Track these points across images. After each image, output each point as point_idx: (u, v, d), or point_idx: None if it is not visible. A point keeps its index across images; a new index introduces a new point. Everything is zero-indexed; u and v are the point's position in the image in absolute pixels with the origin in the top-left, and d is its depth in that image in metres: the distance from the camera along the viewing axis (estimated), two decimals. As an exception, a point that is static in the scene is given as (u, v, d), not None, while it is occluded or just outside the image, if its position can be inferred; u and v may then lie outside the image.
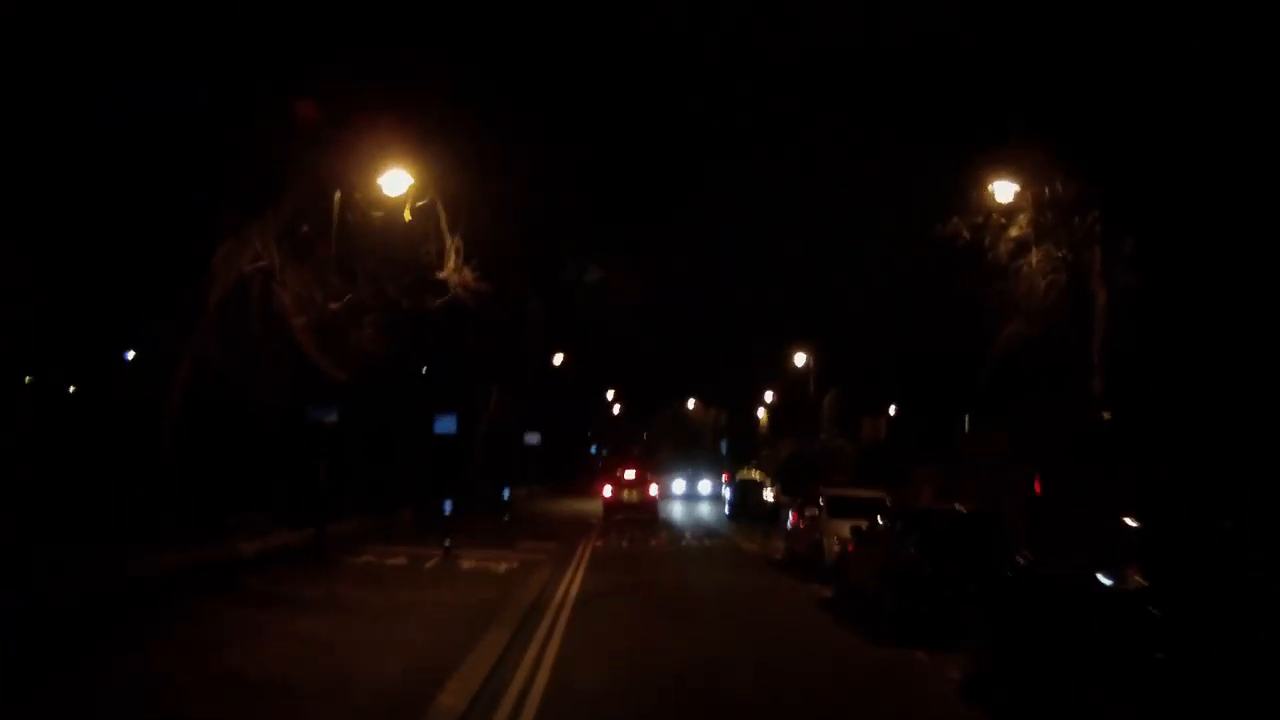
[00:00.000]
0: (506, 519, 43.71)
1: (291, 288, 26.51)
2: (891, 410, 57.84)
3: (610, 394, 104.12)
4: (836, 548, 24.41)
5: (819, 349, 63.73)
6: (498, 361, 51.01)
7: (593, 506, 53.73)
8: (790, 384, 76.71)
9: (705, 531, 43.07)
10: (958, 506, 21.87)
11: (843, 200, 43.97)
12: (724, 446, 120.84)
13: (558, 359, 64.12)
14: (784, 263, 69.40)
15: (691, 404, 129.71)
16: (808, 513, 27.45)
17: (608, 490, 52.23)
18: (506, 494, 46.32)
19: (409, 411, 42.30)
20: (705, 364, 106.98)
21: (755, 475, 65.01)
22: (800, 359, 64.62)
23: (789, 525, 30.87)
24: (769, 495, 53.57)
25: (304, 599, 19.54)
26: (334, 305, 26.39)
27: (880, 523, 20.57)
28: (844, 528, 23.64)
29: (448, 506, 29.75)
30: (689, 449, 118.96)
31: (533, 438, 65.72)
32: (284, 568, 23.62)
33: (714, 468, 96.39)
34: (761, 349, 79.52)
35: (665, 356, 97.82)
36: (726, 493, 60.67)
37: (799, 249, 58.34)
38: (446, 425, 45.95)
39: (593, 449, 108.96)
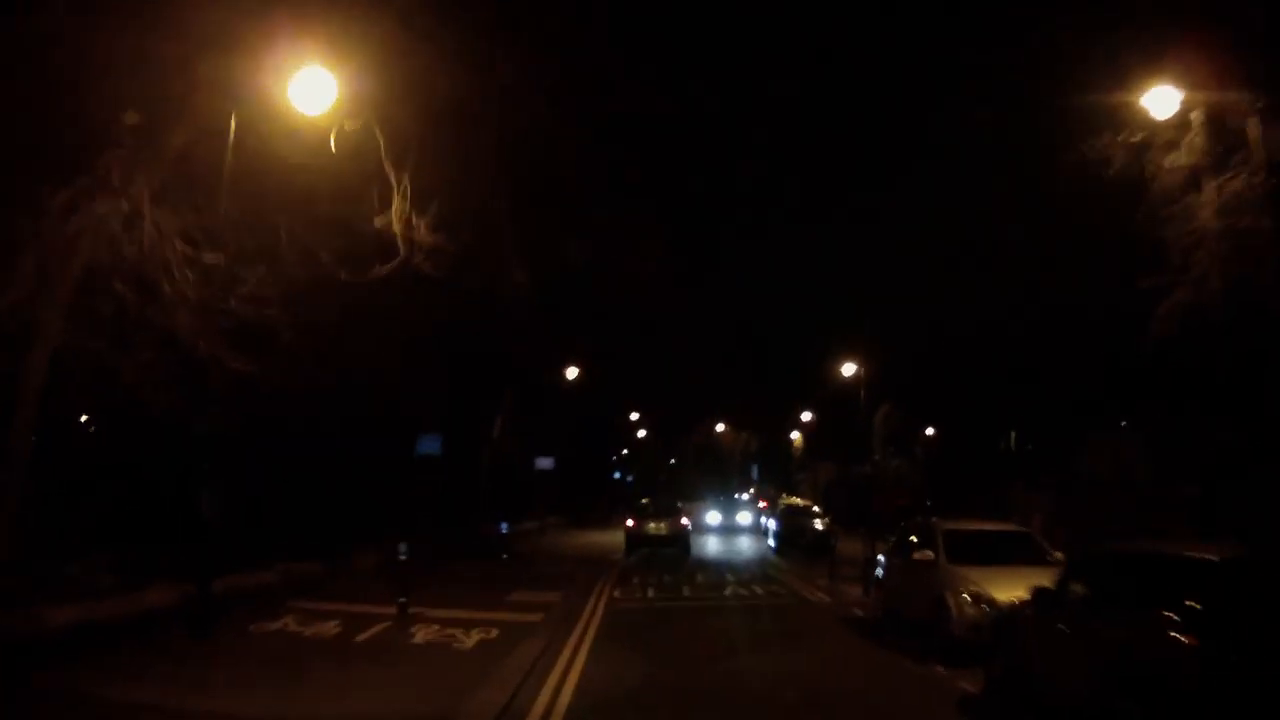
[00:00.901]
0: (505, 559, 35.41)
1: (169, 241, 18.44)
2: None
3: (634, 415, 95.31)
4: (972, 610, 16.18)
5: (872, 357, 55.50)
6: (490, 363, 42.87)
7: (614, 540, 45.71)
8: (833, 401, 69.00)
9: (752, 573, 34.21)
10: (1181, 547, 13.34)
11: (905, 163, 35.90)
12: (754, 471, 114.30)
13: (572, 372, 55.71)
14: (833, 259, 61.19)
15: (721, 428, 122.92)
16: (916, 556, 18.77)
17: (630, 521, 43.89)
18: (504, 529, 37.85)
19: (379, 428, 34.17)
20: (735, 385, 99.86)
21: (799, 501, 56.57)
22: (849, 369, 56.16)
23: (881, 570, 22.40)
24: (819, 524, 45.46)
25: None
26: (212, 258, 18.13)
27: (1072, 578, 12.21)
28: (976, 578, 16.80)
29: (403, 550, 21.39)
30: (719, 475, 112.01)
31: (545, 462, 57.62)
32: (136, 645, 16.87)
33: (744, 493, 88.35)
34: (799, 364, 72.30)
35: (694, 377, 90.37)
36: (769, 523, 52.30)
37: (852, 238, 50.47)
38: (429, 446, 38.13)
39: (615, 475, 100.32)
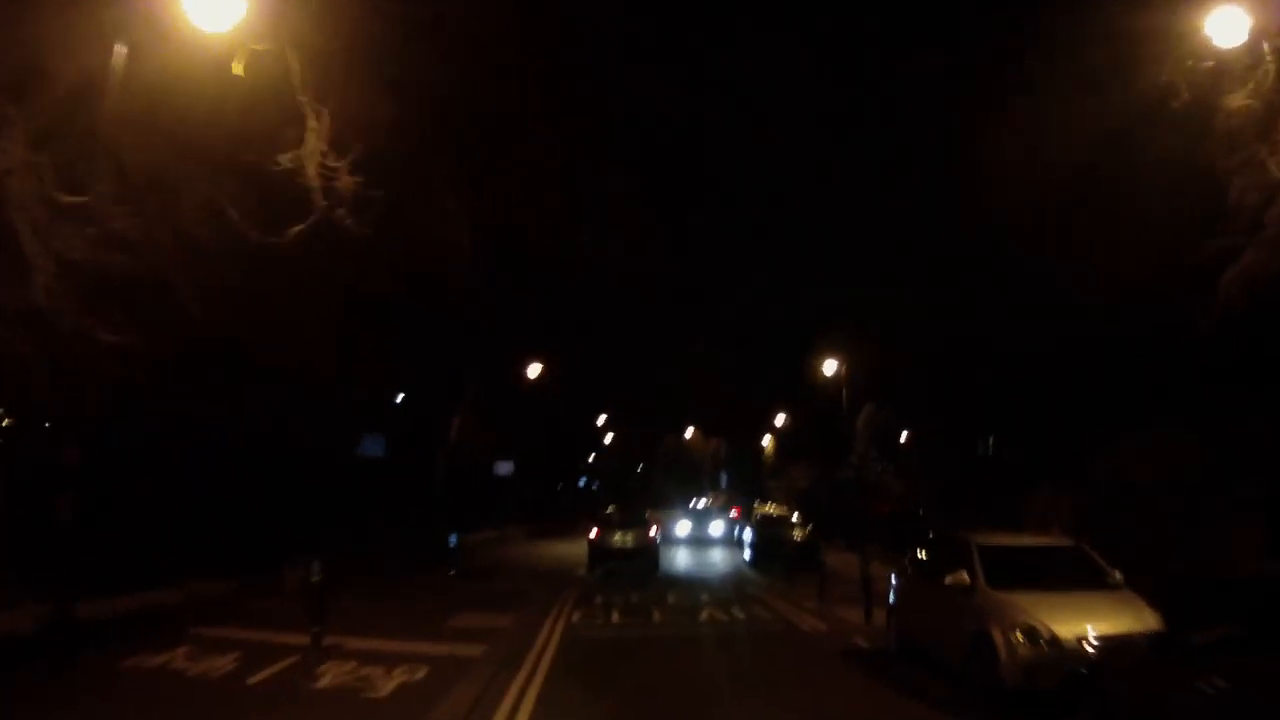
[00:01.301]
0: (453, 574, 31.69)
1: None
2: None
3: (601, 419, 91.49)
4: (1026, 650, 12.68)
5: (855, 353, 52.03)
6: (443, 355, 39.30)
7: (578, 551, 42.01)
8: (811, 401, 65.62)
9: (729, 592, 30.54)
10: None
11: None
12: (724, 479, 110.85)
13: (534, 370, 51.97)
14: (812, 250, 57.74)
15: (690, 434, 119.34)
16: (948, 580, 14.99)
17: (594, 532, 40.17)
18: (454, 540, 33.98)
19: (314, 425, 30.43)
20: (706, 389, 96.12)
21: (775, 510, 52.94)
22: (830, 367, 52.53)
23: (893, 594, 18.78)
24: (798, 534, 41.88)
25: None
26: (69, 199, 14.44)
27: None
28: (1029, 608, 13.36)
29: (316, 569, 17.71)
30: (690, 483, 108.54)
31: (505, 467, 53.93)
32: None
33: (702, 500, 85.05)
34: (774, 365, 68.97)
35: (664, 380, 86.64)
36: (745, 534, 48.73)
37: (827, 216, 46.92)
38: (373, 447, 34.48)
39: (581, 481, 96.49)
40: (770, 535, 42.00)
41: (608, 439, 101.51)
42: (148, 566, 21.87)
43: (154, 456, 24.05)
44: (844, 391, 50.68)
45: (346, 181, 16.79)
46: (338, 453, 33.84)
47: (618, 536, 39.66)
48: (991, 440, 40.79)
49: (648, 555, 39.63)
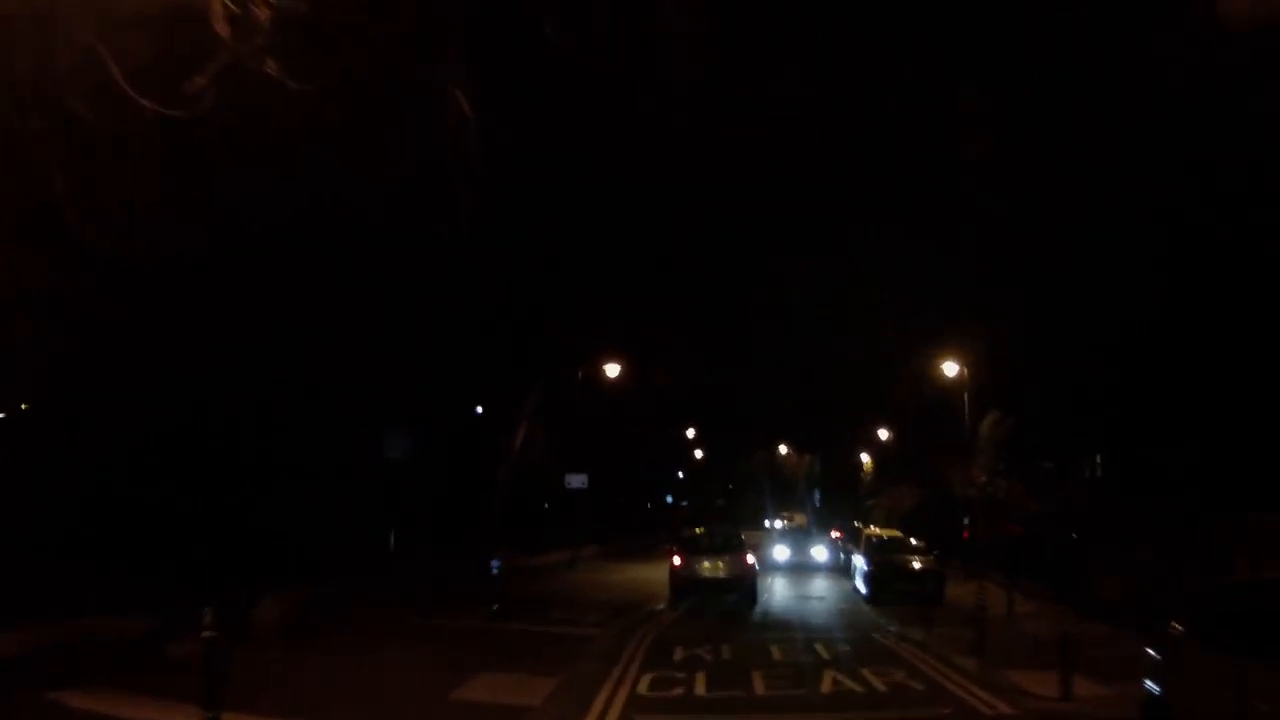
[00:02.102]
0: (495, 610, 24.98)
1: None
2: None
3: (690, 433, 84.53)
4: None
5: (976, 354, 44.96)
6: (499, 346, 33.20)
7: (660, 577, 35.40)
8: (921, 411, 58.53)
9: (850, 639, 23.52)
10: None
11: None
12: (816, 497, 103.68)
13: (613, 369, 45.30)
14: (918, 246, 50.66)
15: (784, 450, 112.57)
16: None
17: (678, 559, 33.48)
18: (496, 567, 27.05)
19: (324, 421, 24.17)
20: (801, 402, 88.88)
21: (888, 533, 45.76)
22: (950, 369, 45.29)
23: (1163, 670, 11.58)
24: (919, 563, 35.13)
25: None
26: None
27: None
28: None
29: (209, 619, 11.24)
30: (784, 503, 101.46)
31: (577, 480, 47.26)
32: None
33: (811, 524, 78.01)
34: (874, 378, 61.70)
35: (756, 391, 79.74)
36: (855, 561, 41.72)
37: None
38: (399, 448, 28.24)
39: (668, 499, 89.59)
40: (887, 562, 34.85)
41: (697, 454, 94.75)
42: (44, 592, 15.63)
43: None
44: (965, 397, 43.72)
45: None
46: (350, 452, 27.43)
47: (706, 564, 32.89)
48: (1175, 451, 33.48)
49: (743, 587, 32.84)
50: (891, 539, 39.93)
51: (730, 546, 34.20)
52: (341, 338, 23.23)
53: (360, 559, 26.82)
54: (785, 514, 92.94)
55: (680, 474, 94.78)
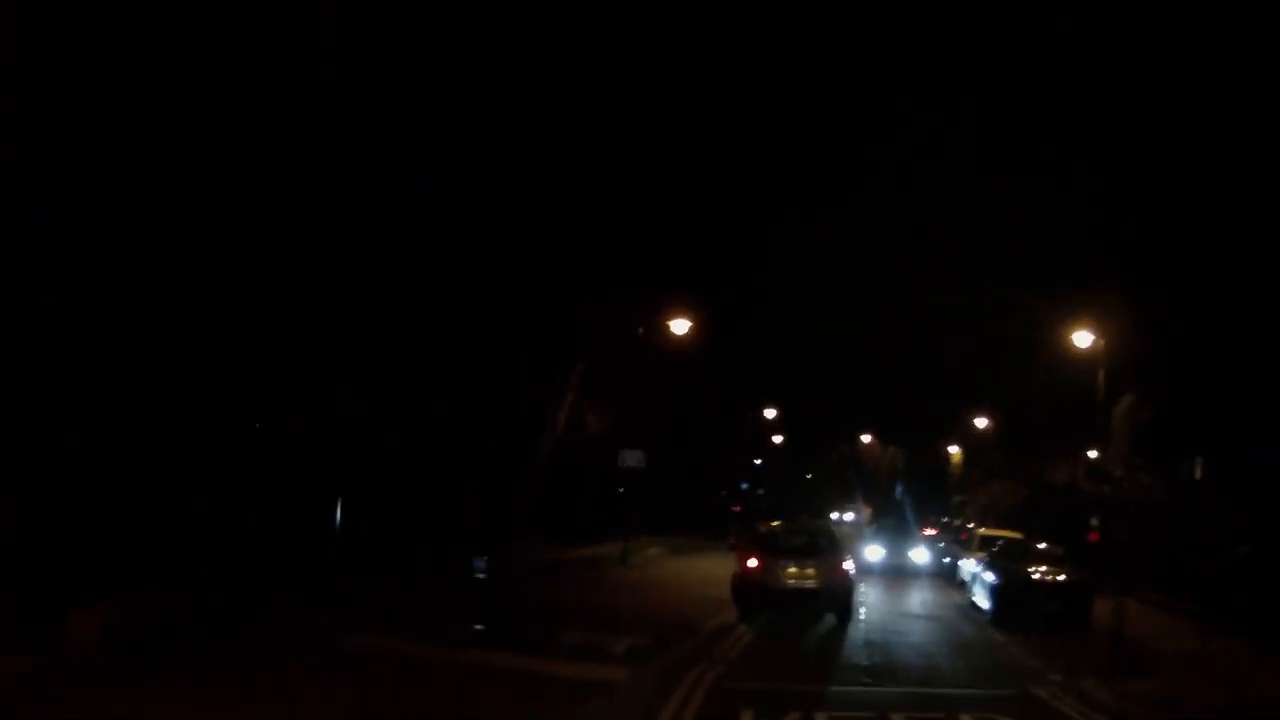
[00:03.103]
0: (479, 630, 17.98)
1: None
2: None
3: (771, 413, 76.40)
4: None
5: (1113, 325, 37.31)
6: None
7: (724, 577, 27.99)
8: (1025, 400, 51.53)
9: (1012, 706, 15.71)
10: None
11: None
12: (899, 490, 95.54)
13: (681, 325, 37.79)
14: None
15: (867, 439, 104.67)
16: None
17: (753, 560, 25.94)
18: (481, 568, 19.54)
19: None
20: (886, 389, 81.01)
21: (997, 532, 37.78)
22: (1082, 340, 37.24)
23: None
24: (1058, 575, 27.21)
25: None
26: None
27: None
28: None
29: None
30: (872, 498, 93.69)
31: (632, 458, 39.73)
32: None
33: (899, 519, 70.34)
34: (969, 361, 54.70)
35: (840, 374, 71.69)
36: (969, 568, 33.95)
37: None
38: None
39: (743, 485, 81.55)
40: (1020, 574, 27.02)
41: (776, 439, 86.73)
42: None
43: None
44: (1100, 375, 36.04)
45: None
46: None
47: (792, 570, 25.55)
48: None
49: (837, 601, 25.62)
50: (1015, 542, 32.04)
51: (822, 548, 26.92)
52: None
53: (297, 550, 20.04)
54: (852, 506, 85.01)
55: (757, 460, 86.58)
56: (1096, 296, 37.02)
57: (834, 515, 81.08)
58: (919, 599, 33.27)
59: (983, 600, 28.47)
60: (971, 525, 46.55)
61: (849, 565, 26.86)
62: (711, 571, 33.26)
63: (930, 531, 55.34)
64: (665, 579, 33.08)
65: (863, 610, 27.69)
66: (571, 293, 32.94)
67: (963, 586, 34.21)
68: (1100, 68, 32.23)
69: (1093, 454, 43.75)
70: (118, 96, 17.67)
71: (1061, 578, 26.84)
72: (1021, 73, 34.55)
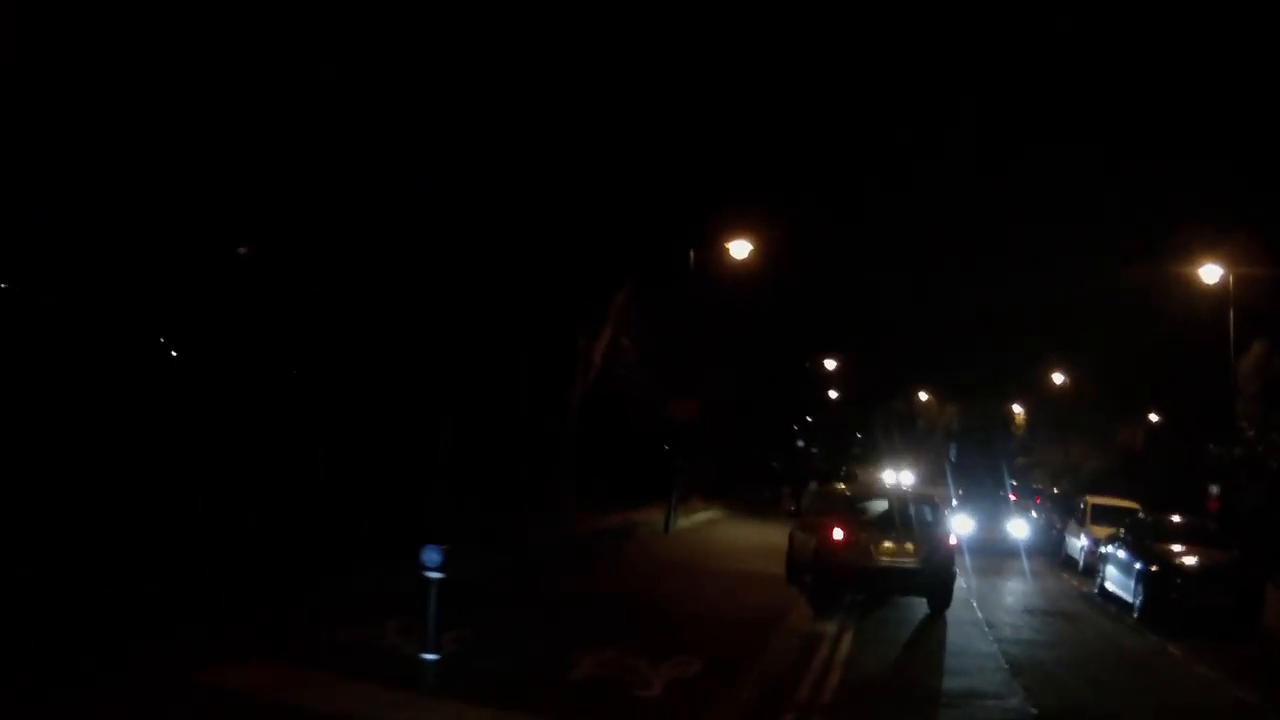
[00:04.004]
0: (429, 661, 11.39)
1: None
2: None
3: (832, 364, 70.04)
4: None
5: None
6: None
7: (784, 544, 23.88)
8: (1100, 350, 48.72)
9: None
10: None
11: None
12: (952, 452, 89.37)
13: (741, 249, 32.08)
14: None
15: (924, 397, 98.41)
16: None
17: (838, 533, 20.24)
18: (433, 566, 12.48)
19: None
20: (947, 342, 75.05)
21: (1119, 502, 31.68)
22: (1211, 274, 31.50)
23: None
24: (1191, 557, 21.26)
25: None
26: None
27: None
28: None
29: None
30: (927, 456, 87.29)
31: (684, 408, 33.94)
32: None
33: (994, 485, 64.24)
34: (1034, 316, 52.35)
35: (899, 325, 65.39)
36: (1084, 543, 28.22)
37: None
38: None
39: (799, 444, 75.59)
40: (1170, 559, 20.95)
41: (832, 395, 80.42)
42: None
43: None
44: (1230, 315, 30.43)
45: None
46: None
47: (888, 545, 20.07)
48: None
49: (937, 584, 20.11)
50: (1151, 518, 25.60)
51: (922, 518, 21.35)
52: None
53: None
54: (910, 466, 78.89)
55: (809, 418, 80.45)
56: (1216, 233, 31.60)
57: (888, 476, 74.80)
58: (1033, 586, 27.13)
59: (1121, 590, 22.53)
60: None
61: (955, 539, 21.41)
62: (772, 542, 27.56)
63: (1011, 497, 49.31)
64: (717, 553, 27.38)
65: (975, 604, 21.76)
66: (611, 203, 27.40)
67: (1074, 568, 28.51)
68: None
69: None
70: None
71: (1224, 564, 20.99)
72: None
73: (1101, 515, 29.57)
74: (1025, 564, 31.01)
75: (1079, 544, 29.86)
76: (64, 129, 17.37)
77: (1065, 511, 35.27)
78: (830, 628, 17.37)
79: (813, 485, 40.09)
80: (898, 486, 34.88)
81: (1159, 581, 20.52)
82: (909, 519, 21.14)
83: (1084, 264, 42.17)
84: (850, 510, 21.82)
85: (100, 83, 17.43)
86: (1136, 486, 39.75)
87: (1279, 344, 33.29)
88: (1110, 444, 56.78)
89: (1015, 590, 25.77)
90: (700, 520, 36.96)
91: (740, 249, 32.23)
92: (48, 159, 16.98)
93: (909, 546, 19.99)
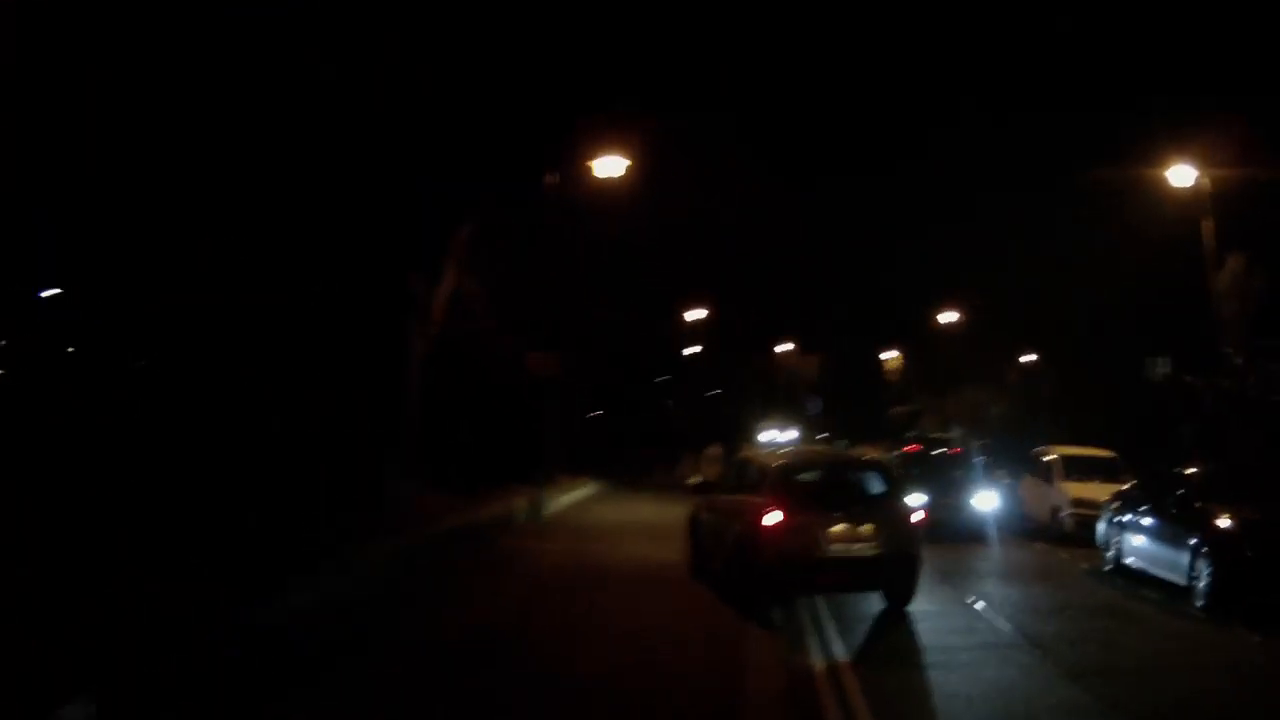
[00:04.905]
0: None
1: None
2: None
3: (701, 314, 62.82)
4: None
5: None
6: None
7: (664, 521, 21.29)
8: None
9: None
10: None
11: None
12: (814, 406, 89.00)
13: (612, 166, 25.84)
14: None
15: (787, 348, 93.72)
16: None
17: (772, 516, 14.52)
18: None
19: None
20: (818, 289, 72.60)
21: (1091, 451, 26.03)
22: (1183, 176, 26.46)
23: None
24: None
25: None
26: None
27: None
28: None
29: None
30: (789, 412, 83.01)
31: (545, 361, 27.56)
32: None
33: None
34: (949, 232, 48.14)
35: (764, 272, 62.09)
36: (1051, 501, 22.72)
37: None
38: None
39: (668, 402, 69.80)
40: (1242, 530, 15.17)
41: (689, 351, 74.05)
42: None
43: None
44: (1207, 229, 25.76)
45: None
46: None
47: (840, 529, 14.68)
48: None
49: (900, 575, 15.26)
50: (1202, 473, 19.36)
51: (875, 491, 16.21)
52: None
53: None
54: (788, 424, 73.99)
55: (668, 375, 74.30)
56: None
57: (766, 436, 69.28)
58: (1027, 569, 20.85)
59: (1159, 568, 16.85)
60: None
61: (920, 515, 15.85)
62: (669, 527, 21.74)
63: (911, 449, 43.69)
64: (608, 546, 21.25)
65: (982, 607, 15.78)
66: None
67: (1045, 535, 23.09)
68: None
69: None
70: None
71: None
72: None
73: (1075, 468, 24.21)
74: (995, 543, 24.20)
75: (1049, 505, 24.39)
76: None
77: (1006, 465, 29.70)
78: (815, 661, 11.40)
79: (712, 450, 34.55)
80: (840, 451, 29.16)
81: (1234, 557, 14.84)
82: (861, 493, 16.06)
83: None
84: (784, 484, 15.79)
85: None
86: (1057, 433, 34.67)
87: (1258, 257, 28.17)
88: (1017, 387, 52.29)
89: (1012, 578, 19.48)
90: (577, 499, 30.76)
91: (610, 168, 26.06)
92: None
93: (866, 529, 14.70)
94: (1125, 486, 19.91)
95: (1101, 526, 19.79)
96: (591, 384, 39.35)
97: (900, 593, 15.22)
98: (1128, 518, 18.36)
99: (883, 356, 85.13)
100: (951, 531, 23.32)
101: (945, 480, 25.66)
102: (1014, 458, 30.12)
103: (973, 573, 19.79)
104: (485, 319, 27.96)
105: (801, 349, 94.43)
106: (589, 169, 25.92)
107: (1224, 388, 26.59)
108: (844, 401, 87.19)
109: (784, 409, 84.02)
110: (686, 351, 71.40)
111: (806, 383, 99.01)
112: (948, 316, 59.38)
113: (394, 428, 23.62)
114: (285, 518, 16.08)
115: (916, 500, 18.96)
